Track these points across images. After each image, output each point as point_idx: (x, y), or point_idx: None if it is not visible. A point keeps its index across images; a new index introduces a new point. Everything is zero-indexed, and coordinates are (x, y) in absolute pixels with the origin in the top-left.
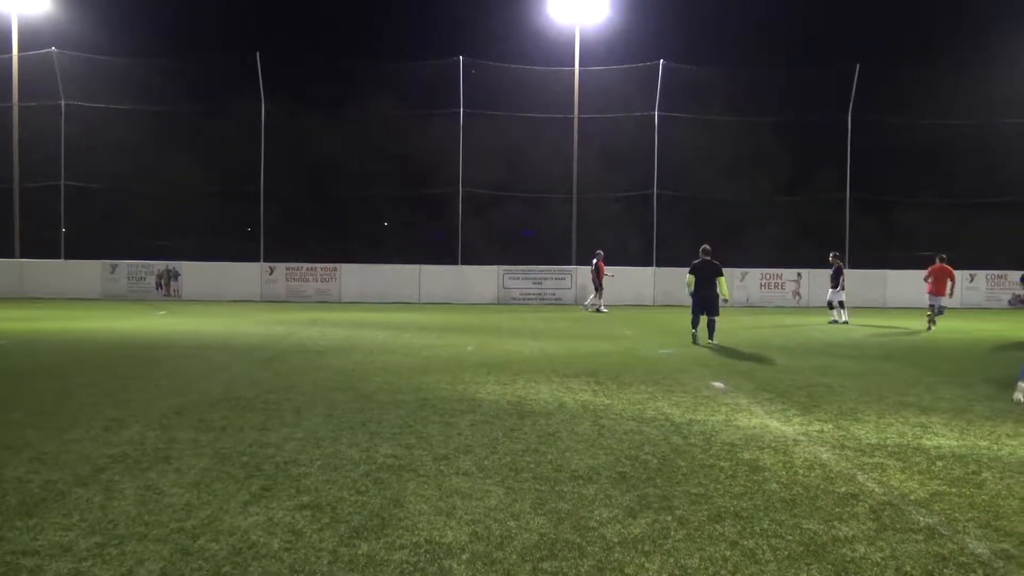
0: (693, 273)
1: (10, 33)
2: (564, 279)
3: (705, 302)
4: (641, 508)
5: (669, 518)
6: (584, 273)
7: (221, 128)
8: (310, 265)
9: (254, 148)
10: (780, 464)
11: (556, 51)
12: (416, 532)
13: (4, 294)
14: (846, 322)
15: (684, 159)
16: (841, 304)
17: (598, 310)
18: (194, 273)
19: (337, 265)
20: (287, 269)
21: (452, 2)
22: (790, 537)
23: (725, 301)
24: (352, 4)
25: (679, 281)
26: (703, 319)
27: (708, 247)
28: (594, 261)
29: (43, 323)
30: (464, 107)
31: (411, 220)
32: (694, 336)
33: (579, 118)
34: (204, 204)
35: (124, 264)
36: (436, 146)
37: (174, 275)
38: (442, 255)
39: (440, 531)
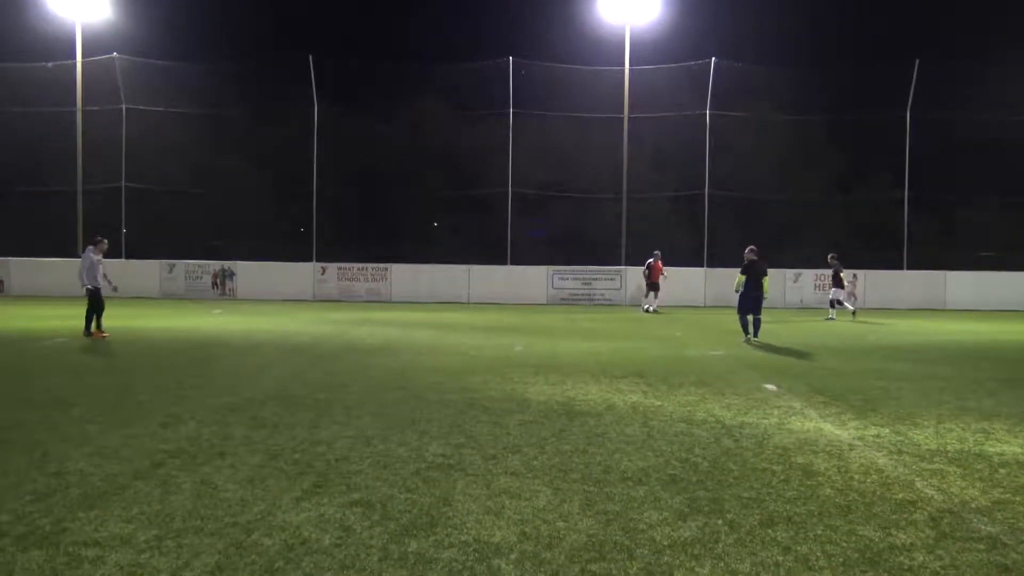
0: (745, 273)
1: (74, 39)
2: (614, 279)
3: (755, 302)
4: (691, 511)
5: (720, 522)
6: (636, 273)
7: (275, 130)
8: (361, 265)
9: (307, 150)
10: (835, 469)
11: (606, 51)
12: (465, 531)
13: (68, 292)
14: (831, 319)
15: (736, 158)
16: (838, 303)
17: (647, 310)
18: (249, 272)
19: (388, 265)
20: (339, 269)
21: (502, 2)
22: (845, 544)
23: (765, 297)
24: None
25: (731, 282)
26: (750, 318)
27: (755, 247)
28: (649, 261)
29: (104, 321)
30: (513, 107)
31: (461, 220)
32: (748, 338)
33: (629, 118)
34: (258, 205)
35: (181, 264)
36: (485, 146)
37: (229, 274)
38: (492, 255)
39: (489, 530)
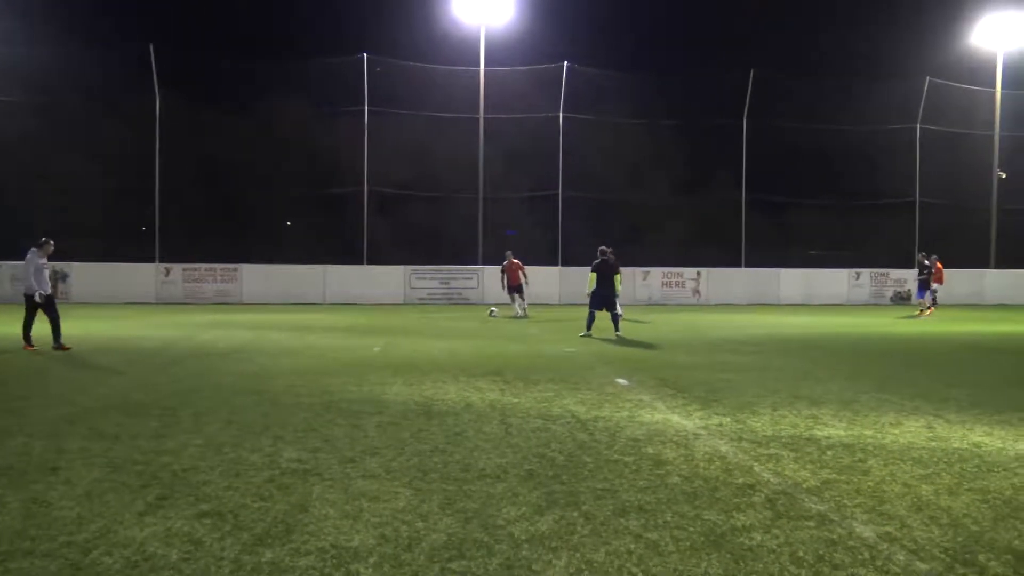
0: (595, 271)
1: None
2: (471, 279)
3: (605, 299)
4: (548, 505)
5: (575, 514)
6: (493, 272)
7: (113, 124)
8: (209, 266)
9: (148, 145)
10: (682, 458)
11: (462, 51)
12: (322, 537)
13: None
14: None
15: (588, 160)
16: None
17: (517, 315)
18: (84, 274)
19: (238, 265)
20: (184, 270)
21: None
22: (692, 528)
23: (617, 296)
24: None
25: (584, 280)
26: (606, 315)
27: (607, 247)
28: (504, 263)
29: None
30: (369, 105)
31: (316, 219)
32: (589, 334)
33: (484, 118)
34: (96, 203)
35: (7, 265)
36: (341, 144)
37: (62, 276)
38: (348, 255)
39: (347, 535)
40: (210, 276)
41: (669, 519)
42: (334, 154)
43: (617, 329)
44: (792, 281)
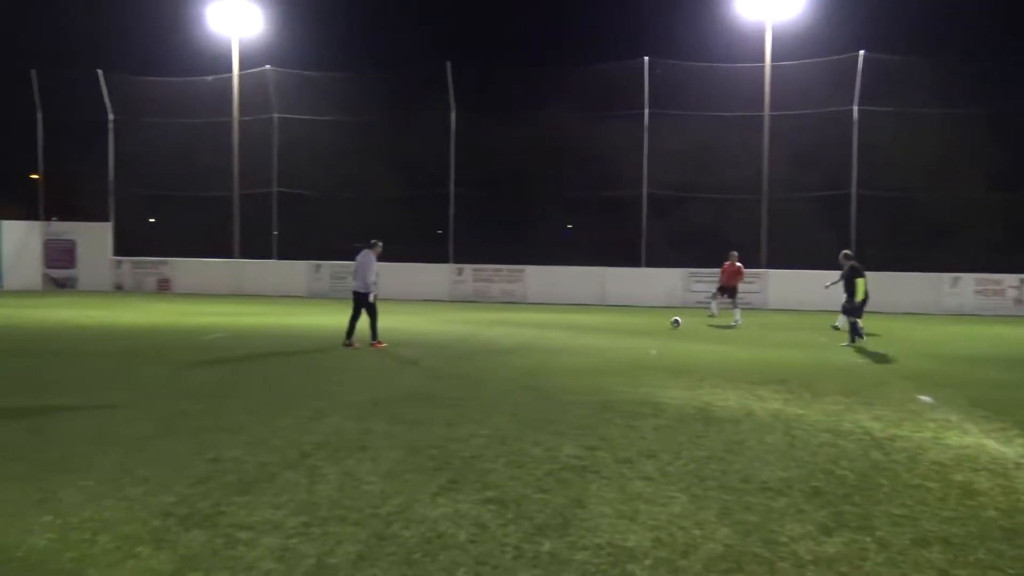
0: (863, 277)
1: (231, 54)
2: (752, 282)
3: (853, 308)
4: (837, 526)
5: (868, 539)
6: (776, 276)
7: (413, 136)
8: (496, 267)
9: (444, 154)
10: (999, 489)
11: (745, 48)
12: (599, 534)
13: (225, 291)
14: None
15: (885, 155)
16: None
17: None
18: (387, 273)
19: (523, 267)
20: (474, 270)
21: (637, 2)
22: (1011, 570)
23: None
24: (538, 10)
25: (876, 285)
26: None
27: (850, 251)
28: (725, 263)
29: (257, 318)
30: (648, 107)
31: (595, 222)
32: (853, 344)
33: (770, 116)
34: (397, 208)
35: (327, 264)
36: (620, 148)
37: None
38: (626, 257)
39: (623, 534)
40: (497, 276)
41: (982, 556)
42: (613, 157)
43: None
44: None
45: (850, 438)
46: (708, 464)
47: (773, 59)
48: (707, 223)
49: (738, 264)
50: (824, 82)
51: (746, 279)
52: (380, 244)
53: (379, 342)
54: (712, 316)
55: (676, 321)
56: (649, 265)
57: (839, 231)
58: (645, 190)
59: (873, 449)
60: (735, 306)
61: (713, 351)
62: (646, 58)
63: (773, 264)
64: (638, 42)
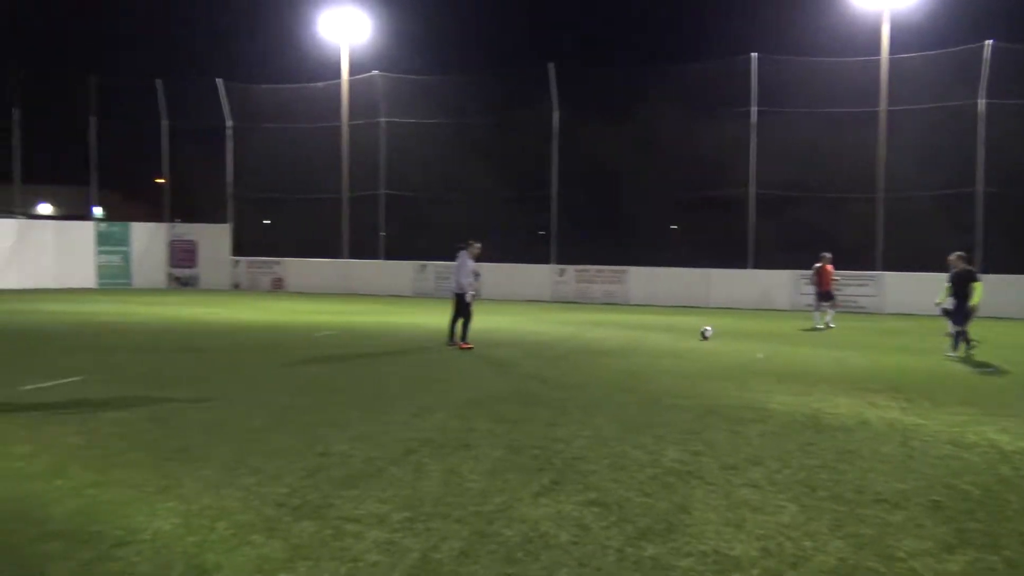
0: (949, 283)
1: (340, 61)
2: (867, 285)
3: (964, 314)
4: (959, 543)
5: (995, 558)
6: (893, 279)
7: (516, 137)
8: (598, 267)
9: (546, 155)
10: None
11: (858, 41)
12: (703, 540)
13: (334, 290)
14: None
15: (1016, 152)
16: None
17: (822, 327)
18: (490, 274)
19: (625, 268)
20: (576, 271)
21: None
22: None
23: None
24: (642, 7)
25: (1007, 288)
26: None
27: (964, 253)
28: (817, 265)
29: (364, 317)
30: (757, 105)
31: (700, 222)
32: (956, 353)
33: (887, 111)
34: (500, 209)
35: (432, 264)
36: (726, 147)
37: (475, 275)
38: (732, 258)
39: (728, 543)
40: (599, 278)
41: None
42: (719, 157)
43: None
44: None
45: (974, 450)
46: (819, 473)
47: (891, 52)
48: (818, 223)
49: (830, 266)
50: (947, 75)
51: (836, 279)
52: (477, 245)
53: (467, 343)
54: (825, 327)
55: (706, 331)
56: (756, 267)
57: (963, 232)
58: (753, 189)
59: (1001, 463)
60: (833, 307)
61: (824, 356)
62: (754, 54)
63: (889, 266)
64: (745, 37)
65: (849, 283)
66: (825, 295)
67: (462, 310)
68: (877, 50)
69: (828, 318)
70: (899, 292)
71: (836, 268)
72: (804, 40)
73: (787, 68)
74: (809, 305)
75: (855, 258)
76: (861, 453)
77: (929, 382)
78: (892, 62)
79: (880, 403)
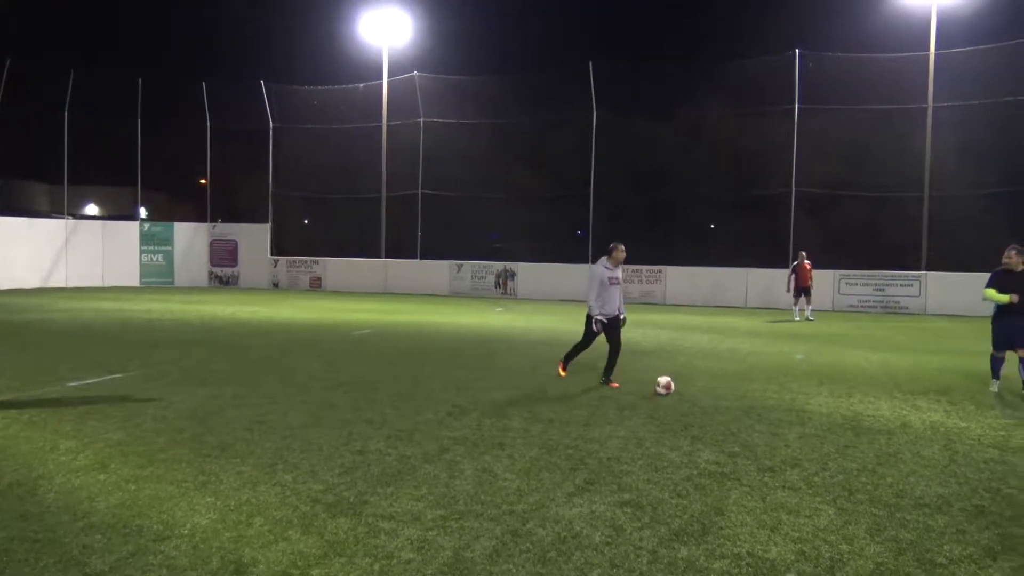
0: (992, 285)
1: (380, 62)
2: (911, 285)
3: (1016, 329)
4: (1003, 550)
5: None
6: (937, 279)
7: (555, 136)
8: (636, 266)
9: (585, 154)
10: None
11: (903, 35)
12: (738, 543)
13: (372, 289)
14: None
15: None
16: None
17: (799, 319)
18: (528, 273)
19: (662, 267)
20: None
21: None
22: None
23: None
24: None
25: None
26: (1013, 356)
27: (1020, 246)
28: (795, 263)
29: (401, 316)
30: (799, 102)
31: (740, 222)
32: (995, 384)
33: (933, 107)
34: (538, 208)
35: (468, 264)
36: (767, 145)
37: (511, 275)
38: (772, 258)
39: (764, 545)
40: (636, 277)
41: None
42: (760, 155)
43: None
44: None
45: (1020, 455)
46: (858, 476)
47: (938, 47)
48: (862, 223)
49: (807, 263)
50: (997, 70)
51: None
52: (620, 248)
53: (564, 368)
54: (801, 320)
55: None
56: None
57: (1015, 231)
58: (794, 188)
59: None
60: (808, 304)
61: (865, 357)
62: (797, 50)
63: (934, 266)
64: (788, 33)
65: (892, 283)
66: (804, 290)
67: (585, 335)
68: (921, 45)
69: (808, 312)
70: (942, 292)
71: (880, 268)
72: (848, 36)
73: (830, 64)
74: (852, 305)
75: (898, 258)
76: (902, 456)
77: (975, 385)
78: (938, 57)
79: (922, 405)
